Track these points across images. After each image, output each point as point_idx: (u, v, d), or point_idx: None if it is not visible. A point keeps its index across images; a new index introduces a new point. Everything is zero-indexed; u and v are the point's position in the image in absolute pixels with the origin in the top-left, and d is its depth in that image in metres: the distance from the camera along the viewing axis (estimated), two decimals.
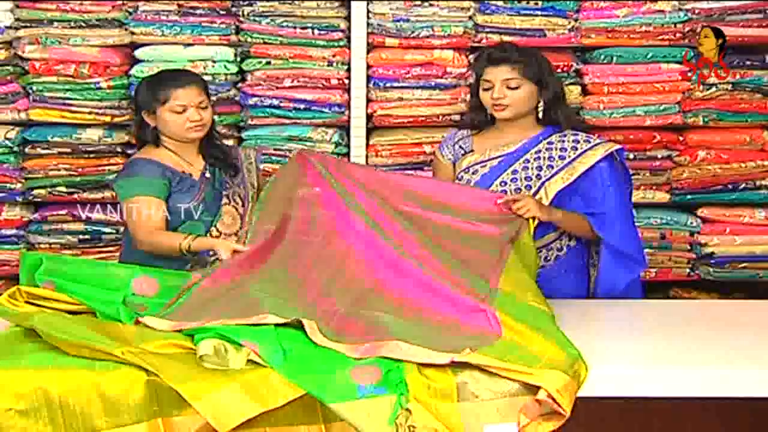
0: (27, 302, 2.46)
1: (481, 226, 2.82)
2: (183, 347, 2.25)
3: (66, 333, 2.23)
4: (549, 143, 3.10)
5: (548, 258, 3.09)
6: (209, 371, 2.15)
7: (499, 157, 3.11)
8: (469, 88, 3.86)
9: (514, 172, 3.08)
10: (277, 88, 3.85)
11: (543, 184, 3.04)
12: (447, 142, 3.23)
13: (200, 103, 3.06)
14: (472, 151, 3.17)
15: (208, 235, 3.03)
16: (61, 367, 2.15)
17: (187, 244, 2.90)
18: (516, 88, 3.05)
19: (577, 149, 3.08)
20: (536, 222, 2.93)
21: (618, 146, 3.11)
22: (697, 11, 3.86)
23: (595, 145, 3.09)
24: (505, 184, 3.06)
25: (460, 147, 3.19)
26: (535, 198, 2.98)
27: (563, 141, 3.10)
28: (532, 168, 3.07)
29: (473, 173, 3.10)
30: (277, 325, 2.30)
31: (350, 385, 2.12)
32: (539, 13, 3.86)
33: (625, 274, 3.06)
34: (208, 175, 3.13)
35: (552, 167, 3.06)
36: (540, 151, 3.09)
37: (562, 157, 3.07)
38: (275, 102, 3.86)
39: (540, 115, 3.11)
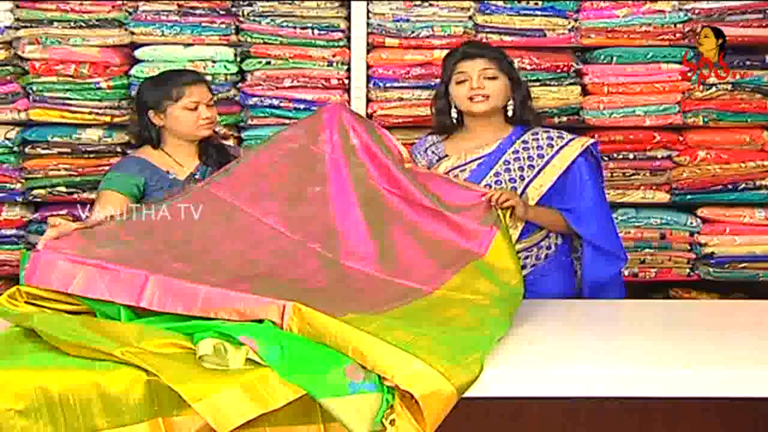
0: (27, 302, 2.46)
1: (457, 237, 2.81)
2: (182, 347, 2.24)
3: (65, 333, 2.23)
4: (524, 142, 3.10)
5: (539, 257, 3.09)
6: (209, 371, 2.15)
7: (477, 159, 3.10)
8: None
9: (497, 174, 3.07)
10: (277, 88, 3.85)
11: (528, 185, 3.03)
12: (418, 149, 3.21)
13: (209, 101, 3.13)
14: (446, 156, 3.15)
15: None
16: (61, 367, 2.15)
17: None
18: (494, 78, 3.07)
19: (553, 146, 3.09)
20: (519, 226, 2.94)
21: (592, 140, 3.12)
22: (697, 11, 3.86)
23: (570, 140, 3.10)
24: (490, 187, 3.04)
25: (433, 152, 3.17)
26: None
27: (537, 139, 3.10)
28: (514, 169, 3.07)
29: (454, 178, 3.09)
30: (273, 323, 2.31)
31: (343, 381, 2.12)
32: (539, 13, 3.86)
33: (606, 268, 3.07)
34: (198, 176, 3.14)
35: (533, 167, 3.06)
36: (517, 151, 3.09)
37: (540, 156, 3.07)
38: (275, 102, 3.86)
39: (510, 113, 3.12)
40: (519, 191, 3.02)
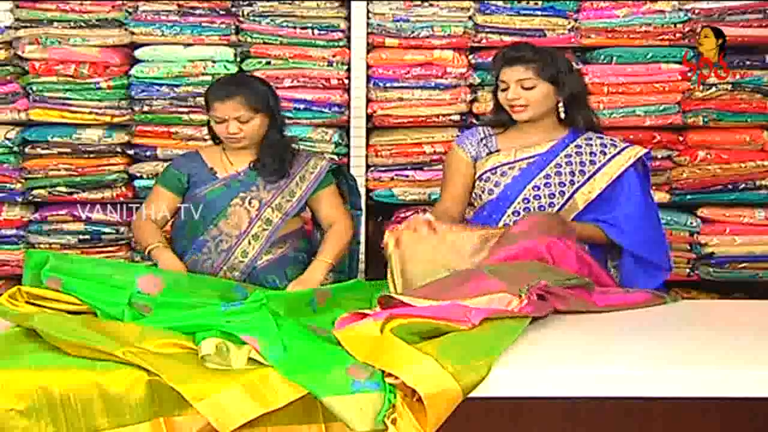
0: (27, 302, 2.47)
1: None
2: (184, 347, 2.25)
3: (66, 333, 2.23)
4: (577, 147, 3.08)
5: None
6: (210, 371, 2.16)
7: (528, 158, 3.07)
8: (469, 88, 3.88)
9: (547, 176, 3.04)
10: (277, 88, 3.83)
11: (577, 190, 3.02)
12: (469, 139, 3.14)
13: (239, 117, 3.07)
14: (498, 150, 3.14)
15: (207, 230, 3.08)
16: (62, 367, 2.15)
17: (149, 250, 3.03)
18: (531, 88, 3.02)
19: (606, 153, 3.07)
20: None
21: (645, 150, 3.10)
22: (697, 11, 3.87)
23: (623, 149, 3.08)
24: (538, 188, 3.03)
25: (485, 146, 3.13)
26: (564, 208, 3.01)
27: (591, 145, 3.09)
28: (565, 174, 3.04)
29: (502, 174, 3.07)
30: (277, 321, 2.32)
31: (346, 380, 2.12)
32: (539, 13, 3.87)
33: (648, 280, 3.01)
34: (241, 177, 3.13)
35: (584, 173, 3.04)
36: (570, 155, 3.06)
37: (593, 162, 3.05)
38: None
39: (562, 115, 3.08)
40: (567, 195, 3.01)
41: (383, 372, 2.14)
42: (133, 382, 2.10)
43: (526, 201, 3.03)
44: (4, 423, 2.06)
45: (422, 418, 2.07)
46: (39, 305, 2.46)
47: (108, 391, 2.09)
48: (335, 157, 3.86)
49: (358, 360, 2.18)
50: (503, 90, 3.06)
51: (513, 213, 3.03)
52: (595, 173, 3.05)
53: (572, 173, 3.05)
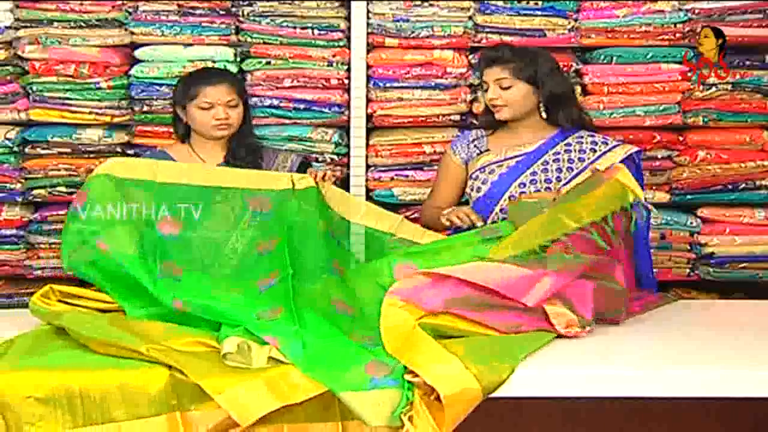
0: (59, 300, 2.50)
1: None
2: (207, 345, 2.28)
3: (93, 331, 2.28)
4: (567, 145, 3.10)
5: None
6: (231, 368, 2.18)
7: (517, 157, 3.10)
8: (469, 88, 3.88)
9: (534, 173, 3.06)
10: (277, 88, 3.85)
11: (563, 186, 3.02)
12: (461, 142, 3.21)
13: (229, 102, 3.16)
14: (487, 150, 3.17)
15: None
16: (85, 364, 2.20)
17: None
18: (508, 88, 3.06)
19: (595, 151, 3.08)
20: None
21: (636, 149, 3.10)
22: (697, 11, 3.86)
23: (614, 146, 3.09)
24: (525, 186, 3.05)
25: (475, 147, 3.18)
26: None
27: (581, 143, 3.10)
28: (551, 170, 3.06)
29: (490, 173, 3.10)
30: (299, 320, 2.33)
31: (363, 378, 2.13)
32: (539, 13, 3.86)
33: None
34: None
35: (572, 169, 3.06)
36: (559, 153, 3.09)
37: (581, 159, 3.07)
38: (275, 102, 3.85)
39: (543, 115, 3.10)
40: (553, 191, 3.01)
41: (404, 368, 2.15)
42: (151, 376, 2.14)
43: (512, 198, 3.04)
44: (22, 410, 2.08)
45: (440, 417, 2.07)
46: (71, 303, 2.50)
47: (127, 384, 2.13)
48: (335, 156, 3.87)
49: (378, 355, 2.19)
50: (485, 90, 3.13)
51: (500, 210, 3.05)
52: (583, 169, 3.06)
53: (559, 170, 3.06)
